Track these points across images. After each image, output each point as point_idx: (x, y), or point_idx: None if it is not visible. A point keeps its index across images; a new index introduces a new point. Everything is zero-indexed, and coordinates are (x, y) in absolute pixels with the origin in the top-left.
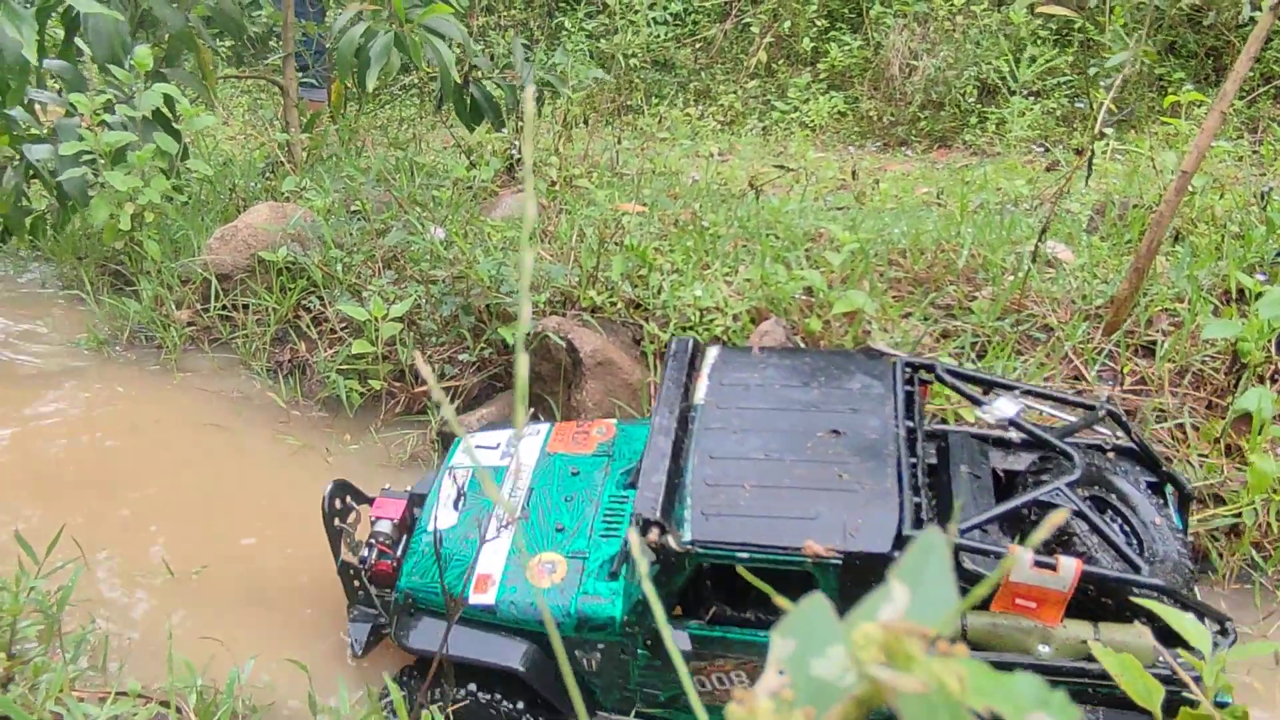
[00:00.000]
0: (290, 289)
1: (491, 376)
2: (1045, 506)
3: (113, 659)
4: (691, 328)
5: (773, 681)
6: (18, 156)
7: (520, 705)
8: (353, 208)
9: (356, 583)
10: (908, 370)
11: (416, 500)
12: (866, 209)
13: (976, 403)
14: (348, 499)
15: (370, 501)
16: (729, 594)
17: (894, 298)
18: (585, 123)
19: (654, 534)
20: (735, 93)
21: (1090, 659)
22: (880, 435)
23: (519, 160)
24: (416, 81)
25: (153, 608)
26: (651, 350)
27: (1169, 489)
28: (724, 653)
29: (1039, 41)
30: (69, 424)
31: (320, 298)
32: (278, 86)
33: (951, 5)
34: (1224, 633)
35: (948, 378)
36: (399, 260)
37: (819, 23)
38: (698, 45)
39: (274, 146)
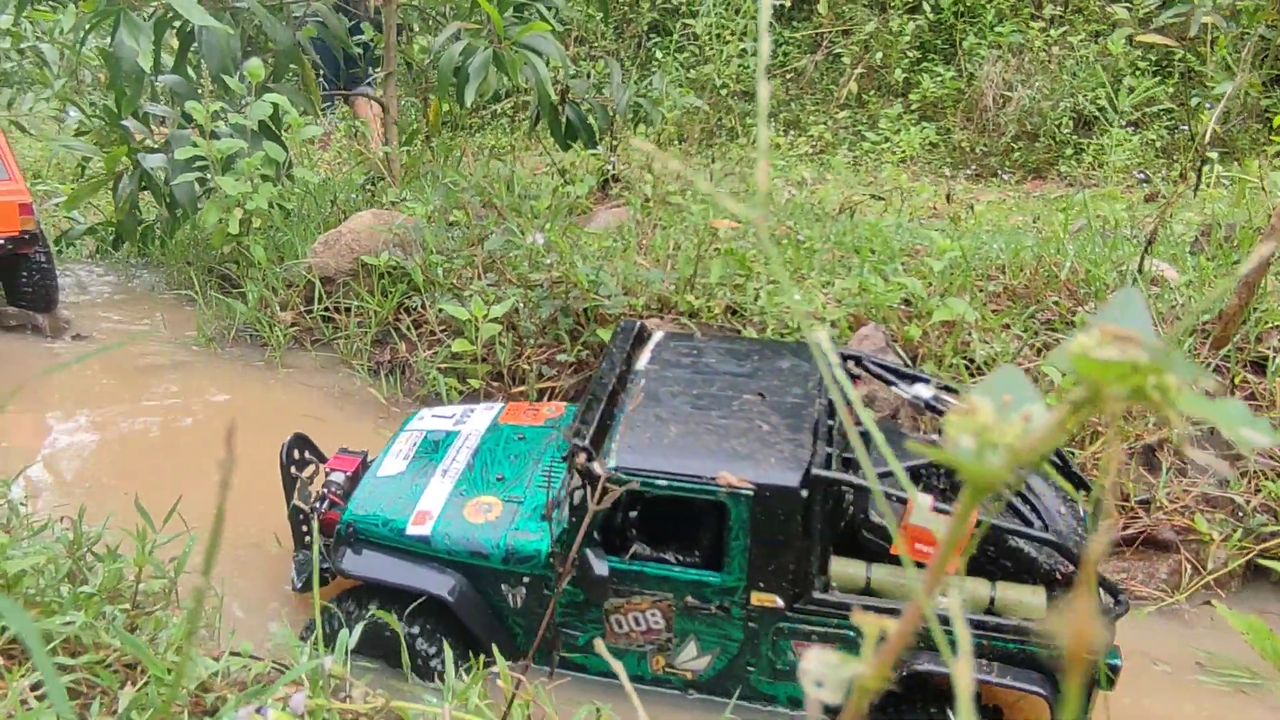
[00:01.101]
0: (391, 292)
1: (588, 377)
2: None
3: (225, 625)
4: (790, 333)
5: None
6: (132, 167)
7: (438, 640)
8: (450, 218)
9: (305, 528)
10: (841, 354)
11: (371, 461)
12: (963, 230)
13: (894, 384)
14: (305, 453)
15: (325, 460)
16: (651, 538)
17: (993, 310)
18: (680, 140)
19: (581, 458)
20: (825, 123)
21: (988, 613)
22: (802, 401)
23: (613, 177)
24: (508, 110)
25: (262, 576)
26: None
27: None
28: (640, 588)
29: (1138, 72)
30: (179, 410)
31: (421, 300)
32: (378, 103)
33: (1048, 36)
34: (1117, 602)
35: (873, 367)
36: (498, 265)
37: (911, 54)
38: (788, 76)
39: (376, 160)
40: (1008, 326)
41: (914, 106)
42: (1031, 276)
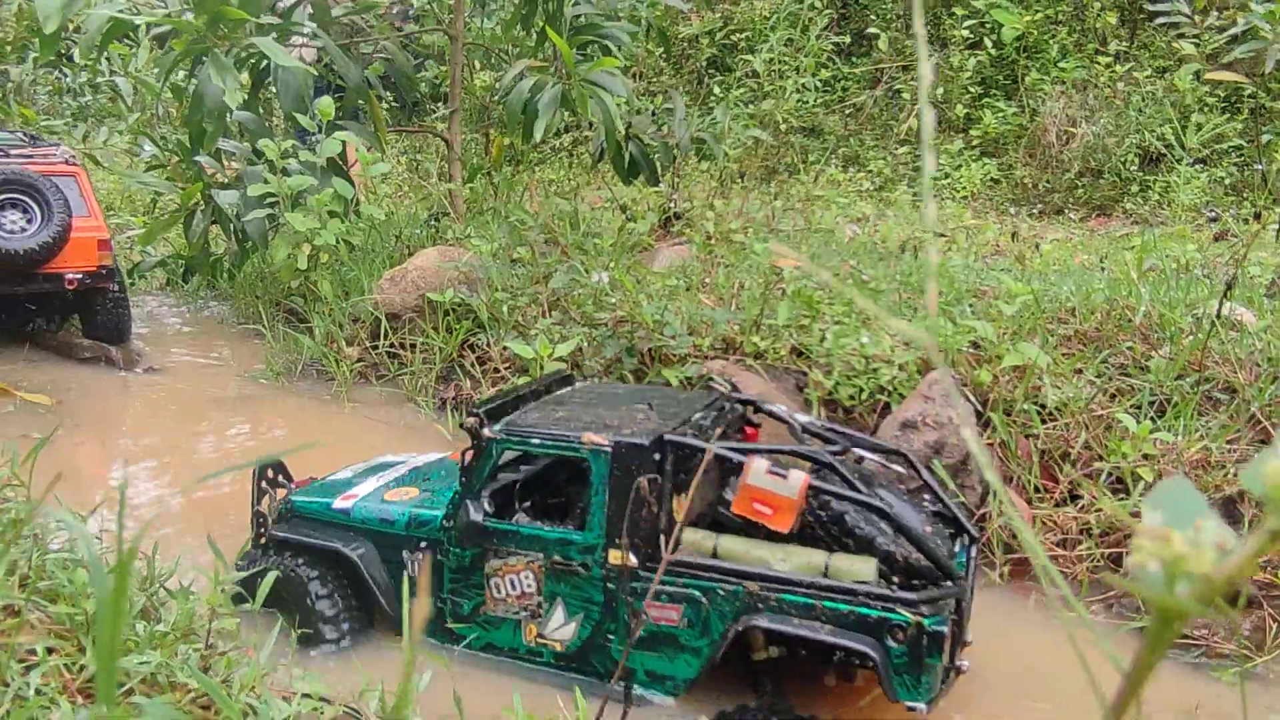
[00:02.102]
0: (456, 329)
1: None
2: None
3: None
4: (856, 376)
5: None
6: (205, 202)
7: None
8: (514, 254)
9: (261, 530)
10: (734, 399)
11: None
12: (1029, 271)
13: (782, 421)
14: (279, 477)
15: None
16: (536, 513)
17: (1064, 354)
18: (741, 176)
19: (471, 421)
20: (885, 158)
21: (824, 575)
22: (681, 409)
23: (676, 214)
24: (567, 144)
25: None
26: (816, 397)
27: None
28: (515, 548)
29: (1206, 108)
30: (249, 440)
31: (486, 338)
32: (443, 140)
33: (1113, 72)
34: (952, 582)
35: (765, 408)
36: (562, 303)
37: (972, 89)
38: (847, 111)
39: (439, 196)
40: (1080, 371)
41: (975, 142)
42: (1103, 319)
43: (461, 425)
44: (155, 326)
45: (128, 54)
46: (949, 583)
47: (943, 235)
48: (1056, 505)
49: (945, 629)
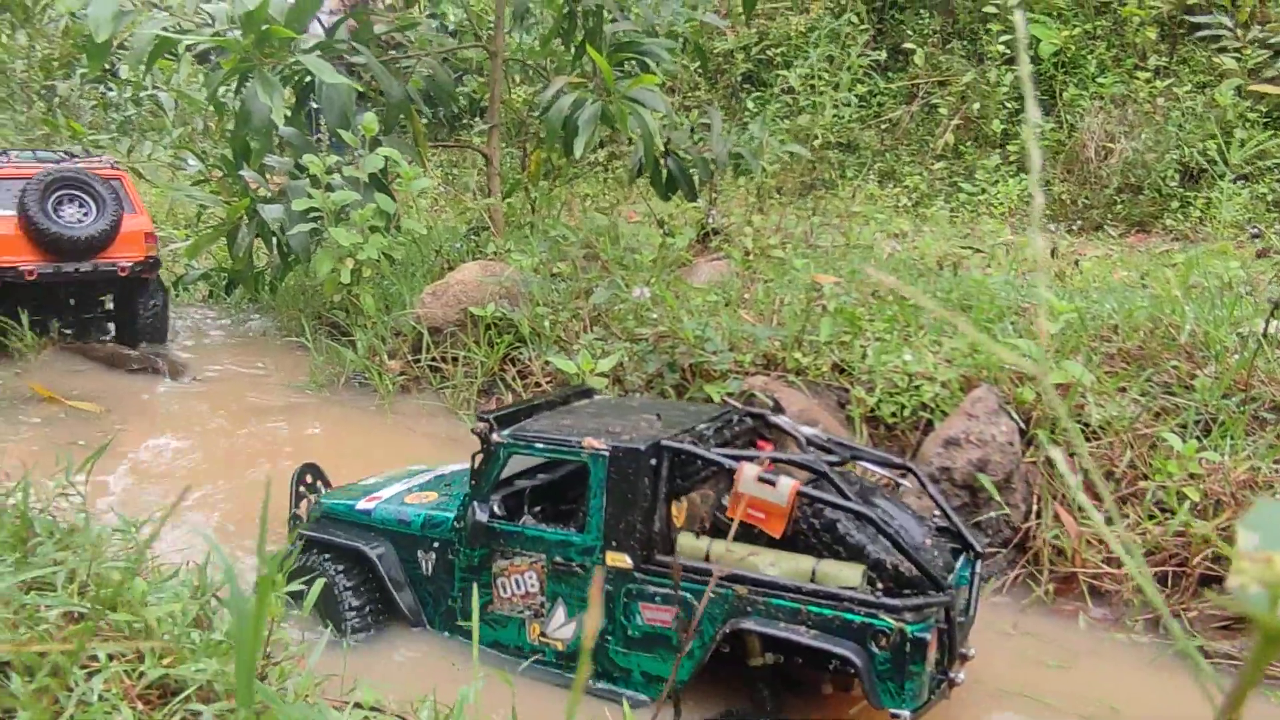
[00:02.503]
0: (498, 343)
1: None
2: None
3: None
4: (899, 393)
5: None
6: (249, 217)
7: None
8: (554, 269)
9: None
10: (745, 411)
11: None
12: (1070, 287)
13: (788, 434)
14: (317, 482)
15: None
16: (546, 515)
17: (1107, 372)
18: (779, 192)
19: (480, 426)
20: (921, 174)
21: (810, 580)
22: (687, 418)
23: (714, 230)
24: (603, 159)
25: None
26: (858, 414)
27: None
28: (519, 548)
29: (1248, 124)
30: (294, 450)
31: (527, 352)
32: (483, 155)
33: (1152, 88)
34: (940, 592)
35: (772, 420)
36: (603, 318)
37: (1009, 104)
38: (883, 127)
39: (479, 210)
40: (1123, 390)
41: (1012, 158)
42: (1146, 337)
43: (473, 430)
44: (199, 338)
45: (170, 69)
46: (937, 592)
47: (979, 251)
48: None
49: (928, 636)
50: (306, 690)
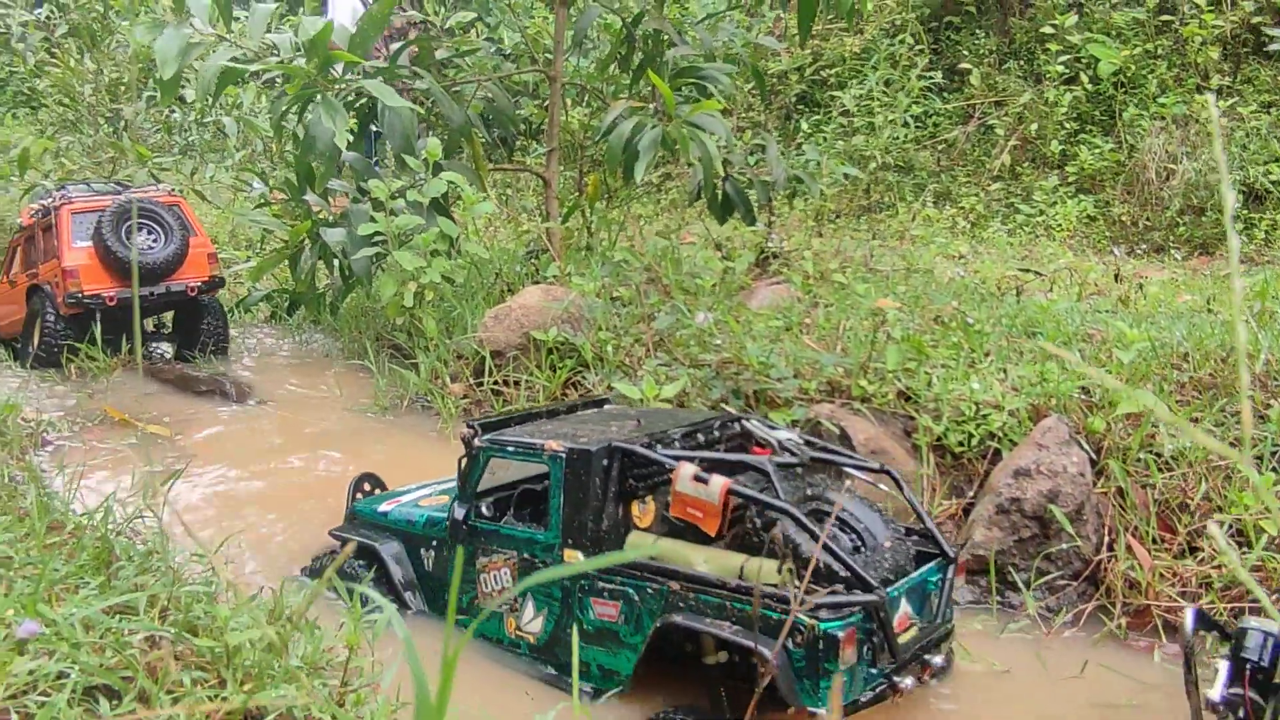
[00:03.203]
0: (560, 367)
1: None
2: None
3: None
4: (966, 422)
5: None
6: (312, 240)
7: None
8: (614, 293)
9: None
10: (724, 417)
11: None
12: (1136, 313)
13: (763, 439)
14: (375, 489)
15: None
16: (529, 516)
17: (1179, 402)
18: (837, 217)
19: (465, 432)
20: (977, 195)
21: (739, 577)
22: (664, 424)
23: (773, 254)
24: (657, 180)
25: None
26: (924, 442)
27: None
28: (497, 546)
29: None
30: (358, 471)
31: (590, 376)
32: (541, 179)
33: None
34: (871, 591)
35: (747, 426)
36: (665, 343)
37: (1068, 125)
38: (939, 147)
39: (538, 234)
40: (1196, 420)
41: (1071, 179)
42: (1218, 365)
43: (460, 436)
44: (263, 359)
45: (234, 93)
46: (863, 592)
47: (1040, 274)
48: (1176, 557)
49: (840, 634)
50: (384, 717)
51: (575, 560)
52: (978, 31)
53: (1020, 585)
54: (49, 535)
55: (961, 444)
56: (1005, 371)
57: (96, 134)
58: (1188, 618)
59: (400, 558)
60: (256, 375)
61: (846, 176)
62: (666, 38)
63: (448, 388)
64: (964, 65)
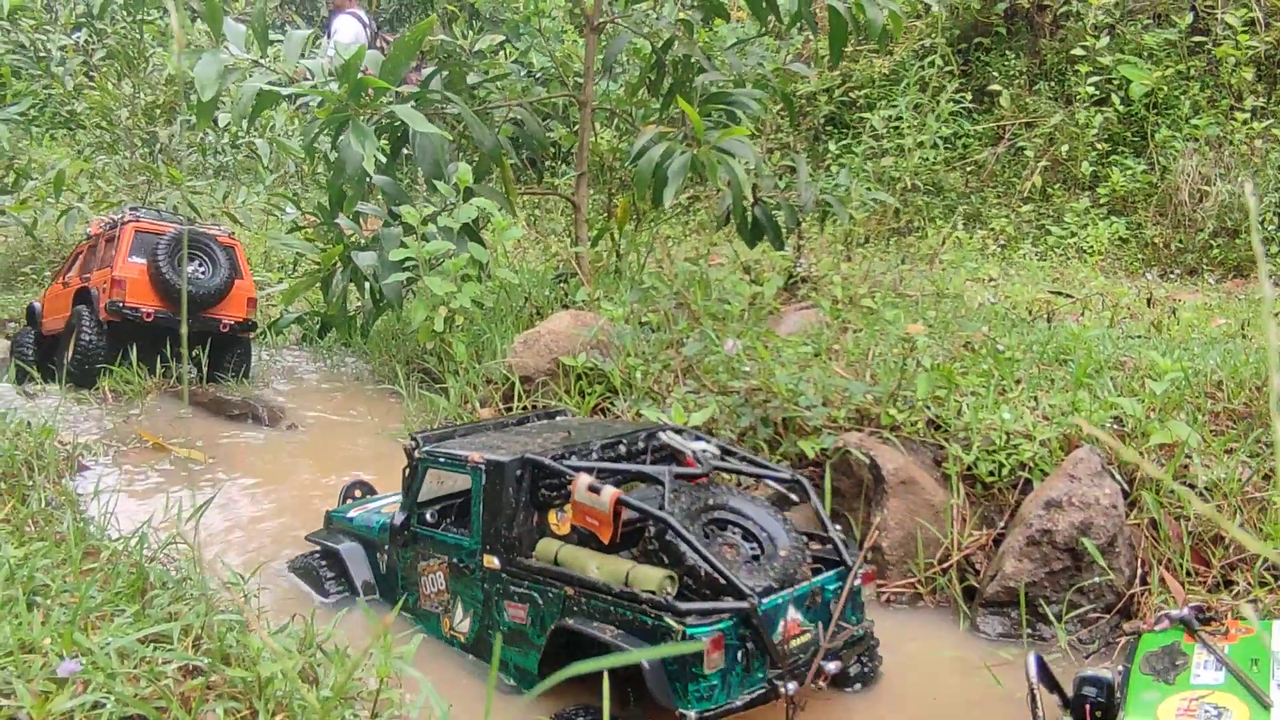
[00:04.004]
0: (589, 393)
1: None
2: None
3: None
4: (996, 451)
5: None
6: (343, 264)
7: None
8: (643, 319)
9: None
10: (651, 429)
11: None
12: (1170, 339)
13: (680, 450)
14: (365, 496)
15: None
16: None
17: (1213, 431)
18: (865, 242)
19: (408, 444)
20: (1008, 216)
21: (624, 584)
22: (589, 436)
23: (802, 278)
24: (684, 202)
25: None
26: (954, 472)
27: None
28: (433, 551)
29: None
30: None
31: (619, 403)
32: (570, 202)
33: (1250, 129)
34: (744, 598)
35: (664, 438)
36: (694, 370)
37: (1099, 146)
38: (968, 169)
39: (567, 257)
40: (1231, 451)
41: (1102, 200)
42: (1253, 395)
43: (404, 448)
44: (295, 382)
45: (269, 116)
46: (734, 599)
47: (1070, 297)
48: (1210, 590)
49: (707, 639)
50: None
51: (493, 565)
52: (1008, 53)
53: (1052, 618)
54: (85, 561)
55: (992, 474)
56: (1036, 399)
57: (133, 156)
58: (1030, 664)
59: (358, 557)
60: (288, 399)
61: (876, 201)
62: (696, 62)
63: (477, 413)
64: (994, 86)
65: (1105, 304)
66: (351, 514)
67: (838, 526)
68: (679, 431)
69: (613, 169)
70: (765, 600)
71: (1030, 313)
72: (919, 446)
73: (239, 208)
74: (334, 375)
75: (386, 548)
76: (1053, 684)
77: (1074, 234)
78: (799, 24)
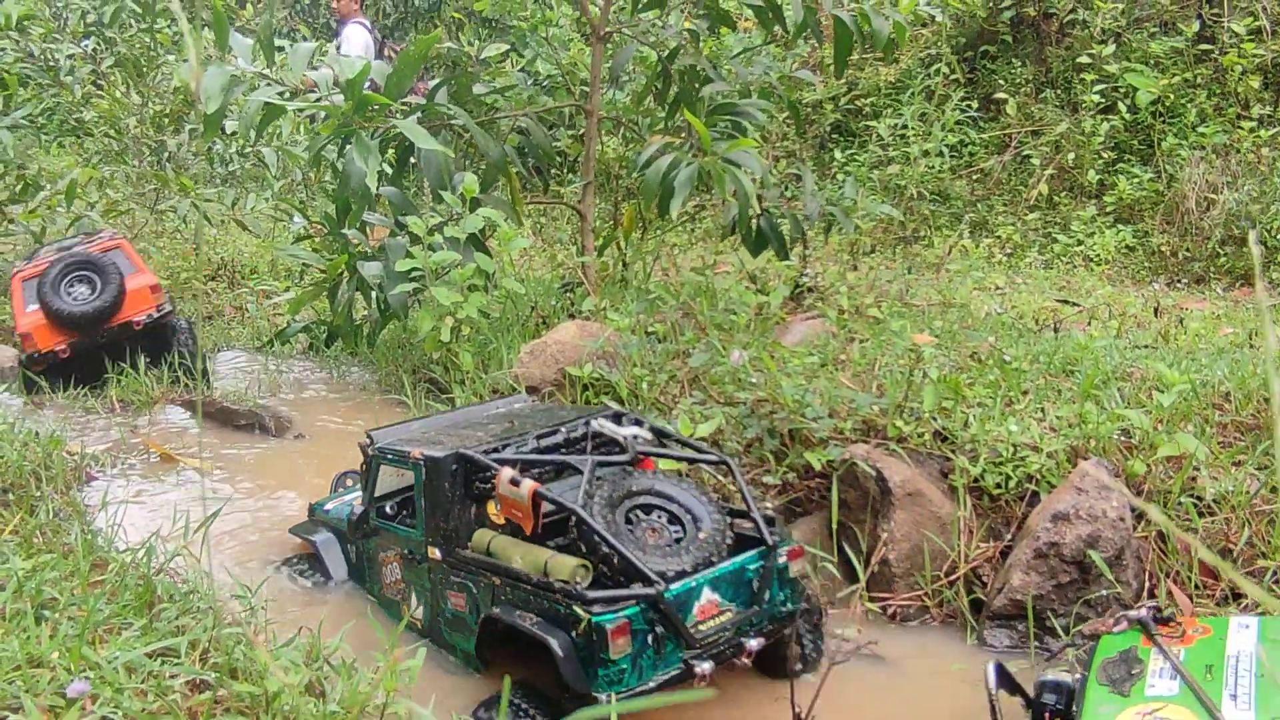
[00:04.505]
0: (595, 404)
1: (792, 501)
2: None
3: None
4: (1003, 463)
5: None
6: (349, 273)
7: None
8: (649, 329)
9: None
10: (589, 415)
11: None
12: (1177, 349)
13: (617, 439)
14: (354, 486)
15: None
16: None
17: (1220, 444)
18: (872, 251)
19: (363, 441)
20: (1014, 224)
21: (543, 573)
22: (530, 425)
23: (808, 288)
24: (690, 210)
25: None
26: (961, 484)
27: None
28: (390, 544)
29: None
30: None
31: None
32: (576, 211)
33: (1256, 137)
34: (651, 584)
35: (599, 428)
36: (700, 381)
37: (1105, 154)
38: (974, 177)
39: (572, 268)
40: (1239, 463)
41: (1109, 209)
42: (1260, 406)
43: (360, 445)
44: (301, 391)
45: (276, 126)
46: (642, 586)
47: (1077, 305)
48: (1218, 604)
49: (610, 626)
50: None
51: (435, 556)
52: (1014, 61)
53: (1060, 631)
54: (93, 573)
55: (999, 486)
56: (1043, 411)
57: (141, 164)
58: (989, 673)
59: (331, 545)
60: (295, 409)
61: (890, 219)
62: (702, 72)
63: None
64: (1000, 95)
65: (1112, 313)
66: (328, 505)
67: (759, 508)
68: (617, 417)
69: (619, 178)
70: (677, 584)
71: (1037, 322)
72: (926, 458)
73: (247, 215)
74: (340, 385)
75: (355, 539)
76: (1014, 687)
77: (1080, 242)
78: (805, 33)
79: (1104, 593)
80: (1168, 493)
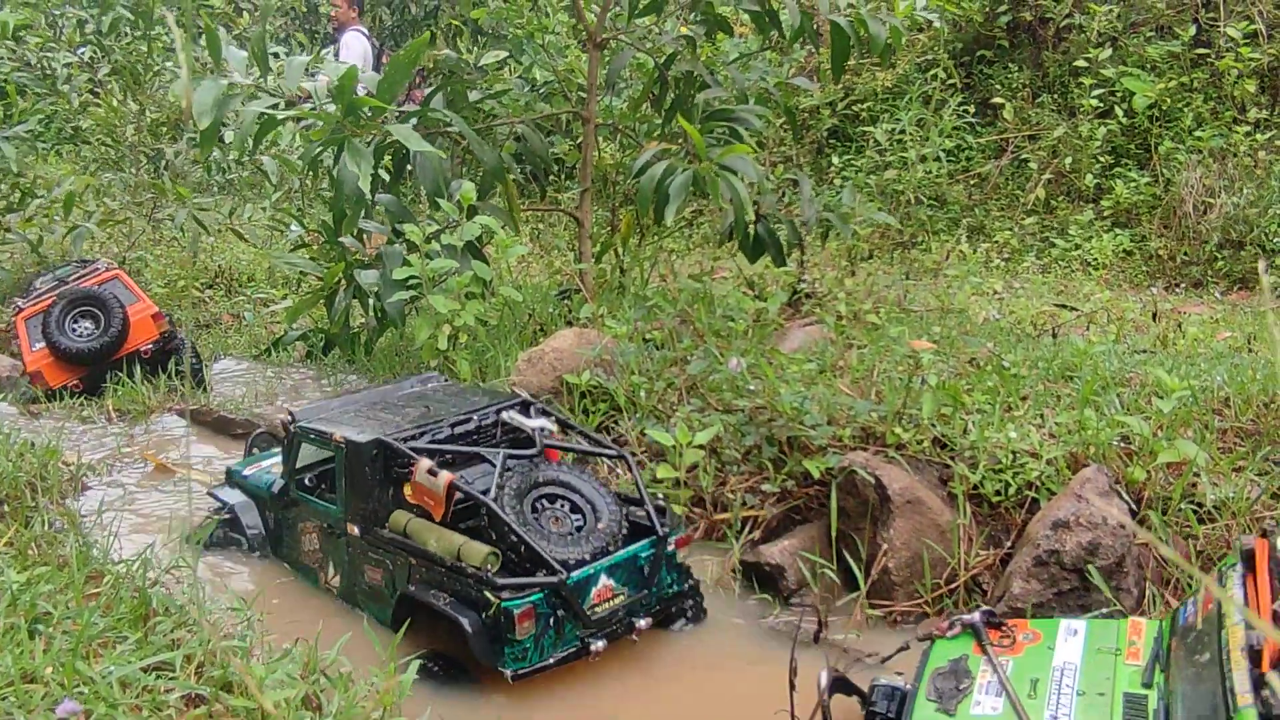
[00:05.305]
0: (593, 411)
1: (791, 508)
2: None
3: None
4: (1003, 470)
5: None
6: (346, 281)
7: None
8: (647, 336)
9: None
10: (502, 405)
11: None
12: (1176, 354)
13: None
14: (267, 448)
15: None
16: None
17: (1220, 449)
18: (869, 257)
19: (284, 419)
20: (1011, 229)
21: (456, 558)
22: (449, 412)
23: (806, 294)
24: (688, 216)
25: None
26: (960, 491)
27: None
28: (309, 516)
29: None
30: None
31: (623, 421)
32: (574, 218)
33: (1253, 141)
34: (555, 573)
35: (507, 418)
36: (698, 389)
37: (1102, 159)
38: (972, 182)
39: (570, 274)
40: (1239, 469)
41: (1106, 213)
42: (1260, 412)
43: (281, 422)
44: (298, 400)
45: (275, 134)
46: (546, 574)
47: (1075, 310)
48: None
49: (516, 611)
50: None
51: (353, 533)
52: (1010, 65)
53: None
54: (87, 586)
55: (998, 493)
56: (1043, 417)
57: (138, 173)
58: (821, 678)
59: (249, 509)
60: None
61: (888, 225)
62: (699, 78)
63: None
64: (997, 99)
65: (1110, 318)
66: (246, 471)
67: (650, 499)
68: (526, 406)
69: (616, 184)
70: (577, 571)
71: (1035, 327)
72: (925, 465)
73: (244, 224)
74: (337, 393)
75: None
76: (851, 689)
77: (1078, 247)
78: (801, 38)
79: (1104, 604)
80: (1168, 499)
